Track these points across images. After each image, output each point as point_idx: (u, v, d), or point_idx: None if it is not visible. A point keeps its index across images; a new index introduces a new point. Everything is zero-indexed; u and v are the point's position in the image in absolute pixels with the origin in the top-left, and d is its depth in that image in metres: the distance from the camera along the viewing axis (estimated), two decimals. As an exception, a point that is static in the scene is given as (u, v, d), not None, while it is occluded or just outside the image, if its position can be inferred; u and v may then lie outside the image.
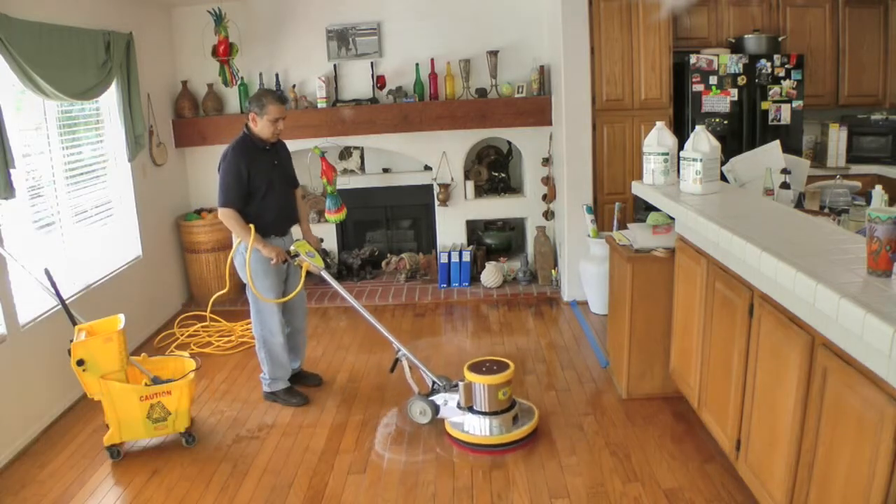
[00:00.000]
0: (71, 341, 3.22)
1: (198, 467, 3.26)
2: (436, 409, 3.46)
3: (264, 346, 3.82)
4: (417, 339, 4.75)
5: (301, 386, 4.02)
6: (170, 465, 3.29)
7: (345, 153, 6.12)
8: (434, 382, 3.52)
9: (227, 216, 3.58)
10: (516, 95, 5.58)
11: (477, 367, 3.35)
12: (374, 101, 5.66)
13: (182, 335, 4.93)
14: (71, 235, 4.23)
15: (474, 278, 5.80)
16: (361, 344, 4.74)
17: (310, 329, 4.77)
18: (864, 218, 2.13)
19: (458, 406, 3.36)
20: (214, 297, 4.63)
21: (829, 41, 5.36)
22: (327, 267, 4.54)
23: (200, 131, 5.67)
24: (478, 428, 3.27)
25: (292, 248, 3.71)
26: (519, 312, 5.22)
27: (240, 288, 4.96)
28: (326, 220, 5.42)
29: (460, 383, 3.35)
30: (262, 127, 3.61)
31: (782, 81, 5.06)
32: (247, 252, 3.62)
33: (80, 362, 3.17)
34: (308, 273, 3.75)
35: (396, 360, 3.60)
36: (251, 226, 3.57)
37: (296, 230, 3.96)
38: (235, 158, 3.56)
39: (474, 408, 3.31)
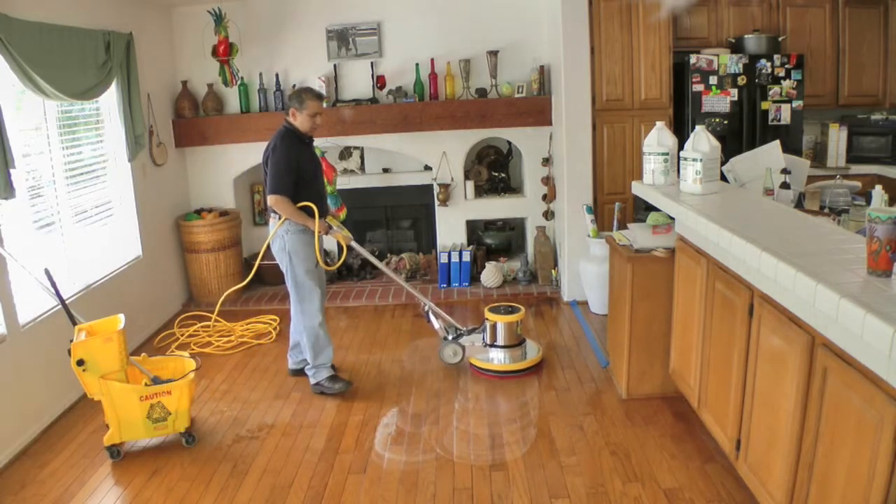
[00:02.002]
0: (71, 341, 3.22)
1: (198, 467, 3.26)
2: (464, 349, 4.13)
3: (305, 329, 3.90)
4: (417, 339, 4.75)
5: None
6: (170, 465, 3.29)
7: (345, 153, 6.12)
8: (457, 329, 4.21)
9: (280, 202, 3.72)
10: (516, 95, 5.58)
11: (496, 310, 4.12)
12: (374, 101, 5.65)
13: (182, 335, 4.93)
14: (71, 235, 4.23)
15: (474, 278, 5.80)
16: (361, 344, 4.74)
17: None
18: (864, 218, 2.14)
19: (484, 342, 4.11)
20: (229, 291, 4.59)
21: (829, 41, 5.36)
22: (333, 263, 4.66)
23: (200, 131, 5.67)
24: (497, 359, 4.07)
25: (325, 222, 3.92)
26: (519, 312, 5.22)
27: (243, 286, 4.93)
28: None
29: (486, 323, 4.10)
30: (301, 121, 3.81)
31: (782, 81, 5.06)
32: (287, 235, 3.79)
33: (80, 362, 3.17)
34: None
35: (427, 313, 4.26)
36: (309, 204, 3.75)
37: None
38: (285, 148, 3.75)
39: (496, 343, 4.09)
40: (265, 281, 5.85)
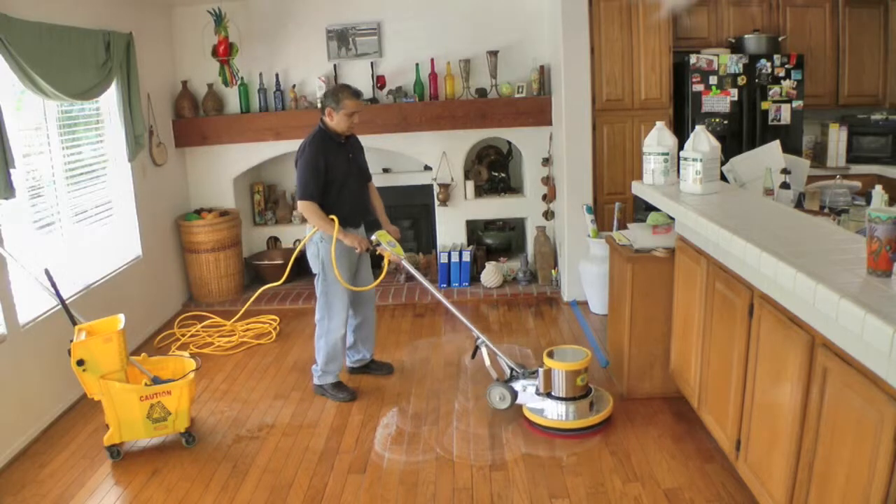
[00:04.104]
0: (71, 341, 3.22)
1: (198, 467, 3.26)
2: (514, 394, 3.54)
3: (325, 336, 3.84)
4: (417, 339, 4.75)
5: (372, 375, 4.13)
6: (170, 465, 3.29)
7: (345, 153, 6.11)
8: (512, 369, 3.60)
9: (307, 208, 3.64)
10: (516, 95, 5.58)
11: (554, 355, 3.46)
12: (374, 101, 5.65)
13: (183, 336, 4.93)
14: (71, 235, 4.23)
15: (474, 278, 5.80)
16: (361, 344, 4.74)
17: (308, 329, 4.75)
18: (864, 218, 2.13)
19: (537, 392, 3.46)
20: (264, 287, 4.59)
21: (829, 41, 5.36)
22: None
23: (200, 131, 5.67)
24: (556, 413, 3.40)
25: (374, 237, 3.77)
26: (519, 312, 5.22)
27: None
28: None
29: (540, 370, 3.45)
30: (338, 121, 3.67)
31: (782, 81, 5.06)
32: (321, 242, 3.70)
33: (80, 362, 3.17)
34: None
35: (476, 348, 3.71)
36: (334, 217, 3.64)
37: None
38: (314, 152, 3.63)
39: (553, 393, 3.43)
40: (268, 280, 5.83)
